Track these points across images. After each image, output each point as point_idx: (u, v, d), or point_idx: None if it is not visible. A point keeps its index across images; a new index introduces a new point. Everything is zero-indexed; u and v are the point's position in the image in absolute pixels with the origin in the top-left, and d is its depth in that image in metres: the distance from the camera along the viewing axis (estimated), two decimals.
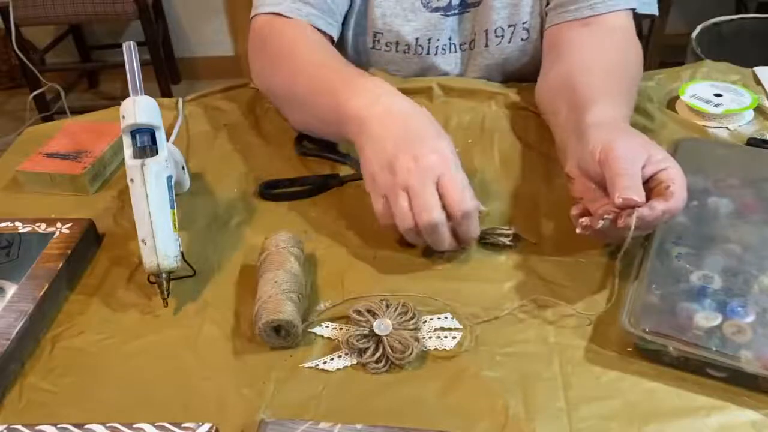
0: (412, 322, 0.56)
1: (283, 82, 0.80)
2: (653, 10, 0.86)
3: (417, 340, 0.55)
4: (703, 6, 2.20)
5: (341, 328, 0.58)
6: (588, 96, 0.69)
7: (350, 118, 0.66)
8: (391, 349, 0.54)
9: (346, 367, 0.55)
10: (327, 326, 0.58)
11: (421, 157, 0.60)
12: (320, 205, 0.73)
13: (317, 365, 0.55)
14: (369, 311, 0.56)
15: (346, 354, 0.55)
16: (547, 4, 0.87)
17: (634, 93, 0.77)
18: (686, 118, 0.84)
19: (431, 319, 0.58)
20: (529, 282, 0.62)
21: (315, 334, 0.58)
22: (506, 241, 0.65)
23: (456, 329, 0.57)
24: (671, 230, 0.62)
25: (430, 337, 0.56)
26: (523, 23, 0.90)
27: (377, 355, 0.54)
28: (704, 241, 0.60)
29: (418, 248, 0.65)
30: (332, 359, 0.55)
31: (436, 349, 0.55)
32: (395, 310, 0.56)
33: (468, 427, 0.49)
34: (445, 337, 0.56)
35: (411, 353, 0.53)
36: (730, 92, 0.84)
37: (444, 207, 0.60)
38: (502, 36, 0.90)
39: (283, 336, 0.56)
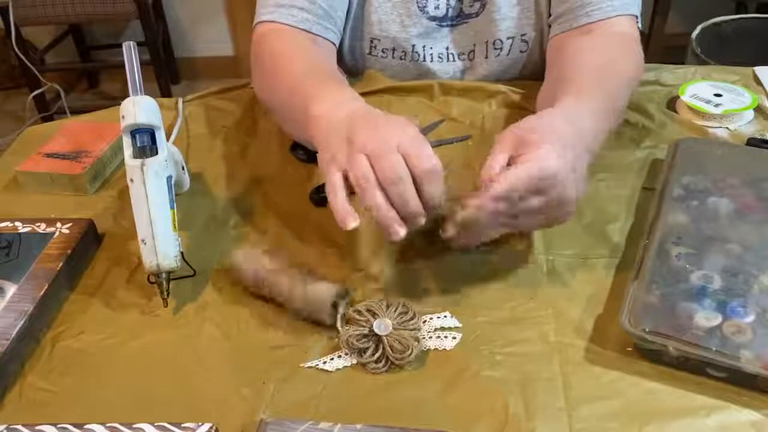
0: (412, 322, 0.56)
1: (270, 97, 0.80)
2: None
3: (417, 340, 0.55)
4: (703, 6, 2.20)
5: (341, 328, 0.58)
6: (565, 91, 0.68)
7: (313, 119, 0.64)
8: (391, 349, 0.54)
9: (346, 367, 0.55)
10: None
11: (381, 127, 0.57)
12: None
13: (317, 365, 0.55)
14: (369, 311, 0.56)
15: (346, 354, 0.55)
16: (549, 16, 0.87)
17: (619, 95, 0.74)
18: (686, 118, 0.84)
19: (431, 318, 0.58)
20: (530, 281, 0.62)
21: (316, 333, 0.58)
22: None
23: (456, 329, 0.57)
24: (671, 230, 0.62)
25: (430, 337, 0.56)
26: (522, 35, 0.90)
27: (377, 355, 0.54)
28: (704, 241, 0.60)
29: (415, 246, 0.65)
30: (332, 359, 0.55)
31: (436, 349, 0.55)
32: (395, 310, 0.56)
33: (468, 427, 0.49)
34: (445, 337, 0.56)
35: (411, 353, 0.53)
36: (730, 92, 0.84)
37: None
38: (501, 48, 0.91)
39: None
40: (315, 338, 0.57)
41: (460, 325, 0.57)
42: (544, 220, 0.59)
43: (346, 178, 0.56)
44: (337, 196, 0.56)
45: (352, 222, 0.55)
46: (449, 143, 0.82)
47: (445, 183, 0.57)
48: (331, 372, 0.54)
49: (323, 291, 0.57)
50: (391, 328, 0.54)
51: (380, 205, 0.55)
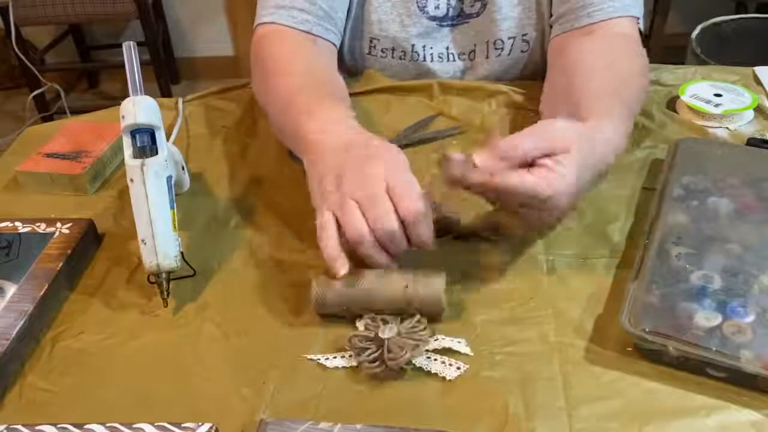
0: (420, 333, 0.55)
1: (267, 105, 0.80)
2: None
3: (417, 346, 0.53)
4: (703, 6, 2.20)
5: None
6: (585, 102, 0.68)
7: (302, 139, 0.66)
8: (388, 351, 0.53)
9: (345, 367, 0.55)
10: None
11: (368, 168, 0.58)
12: None
13: (318, 359, 0.55)
14: (383, 320, 0.56)
15: (350, 356, 0.55)
16: (550, 15, 0.87)
17: (632, 102, 0.73)
18: (686, 118, 0.84)
19: (443, 338, 0.56)
20: (530, 281, 0.62)
21: (316, 333, 0.58)
22: (489, 235, 0.65)
23: (465, 357, 0.54)
24: (671, 230, 0.62)
25: (435, 360, 0.54)
26: (523, 35, 0.90)
27: (374, 356, 0.54)
28: (704, 241, 0.60)
29: None
30: (334, 357, 0.55)
31: (436, 373, 0.53)
32: (409, 323, 0.55)
33: (468, 427, 0.49)
34: (450, 365, 0.54)
35: (405, 354, 0.52)
36: (730, 92, 0.84)
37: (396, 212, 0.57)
38: (502, 48, 0.91)
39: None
40: (316, 338, 0.57)
41: (471, 354, 0.55)
42: (510, 220, 0.61)
43: (336, 219, 0.57)
44: (330, 240, 0.57)
45: (342, 269, 0.56)
46: (441, 137, 0.82)
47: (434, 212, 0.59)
48: (331, 372, 0.54)
49: (435, 284, 0.57)
50: (395, 333, 0.54)
51: (375, 257, 0.57)
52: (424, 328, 0.55)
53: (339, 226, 0.57)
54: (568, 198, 0.57)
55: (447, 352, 0.55)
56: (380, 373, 0.53)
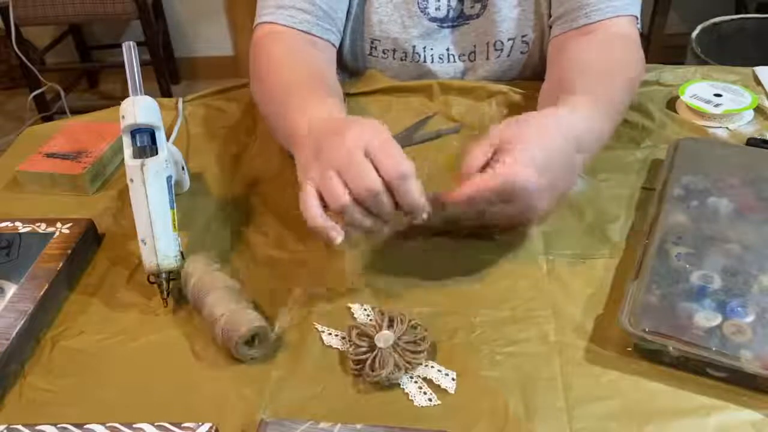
0: (414, 353, 0.53)
1: (262, 105, 0.80)
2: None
3: (398, 369, 0.52)
4: (703, 6, 2.21)
5: (368, 316, 0.58)
6: (567, 90, 0.69)
7: (292, 136, 0.66)
8: (371, 362, 0.53)
9: (338, 348, 0.56)
10: (365, 309, 0.59)
11: (346, 134, 0.57)
12: None
13: (319, 328, 0.57)
14: (390, 318, 0.56)
15: (344, 339, 0.56)
16: (549, 17, 0.87)
17: (622, 99, 0.74)
18: (686, 118, 0.84)
19: (432, 367, 0.54)
20: (530, 281, 0.62)
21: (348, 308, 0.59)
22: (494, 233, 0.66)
23: (443, 392, 0.52)
24: (671, 230, 0.62)
25: (416, 382, 0.53)
26: (523, 37, 0.90)
27: (360, 357, 0.53)
28: (704, 241, 0.60)
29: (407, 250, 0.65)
30: (335, 335, 0.57)
31: (407, 394, 0.52)
32: (411, 335, 0.55)
33: (468, 427, 0.49)
34: (424, 393, 0.52)
35: (381, 373, 0.52)
36: (730, 92, 0.84)
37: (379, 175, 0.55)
38: (501, 49, 0.91)
39: (256, 345, 0.55)
40: (316, 337, 0.57)
41: (452, 389, 0.52)
42: (506, 221, 0.62)
43: (320, 193, 0.56)
44: (313, 212, 0.55)
45: (338, 236, 0.56)
46: (439, 136, 0.82)
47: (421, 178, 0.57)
48: (331, 372, 0.54)
49: (241, 320, 0.55)
50: (390, 343, 0.53)
51: (357, 221, 0.56)
52: (422, 349, 0.54)
53: (322, 198, 0.56)
54: (545, 187, 0.57)
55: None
56: (359, 378, 0.53)
